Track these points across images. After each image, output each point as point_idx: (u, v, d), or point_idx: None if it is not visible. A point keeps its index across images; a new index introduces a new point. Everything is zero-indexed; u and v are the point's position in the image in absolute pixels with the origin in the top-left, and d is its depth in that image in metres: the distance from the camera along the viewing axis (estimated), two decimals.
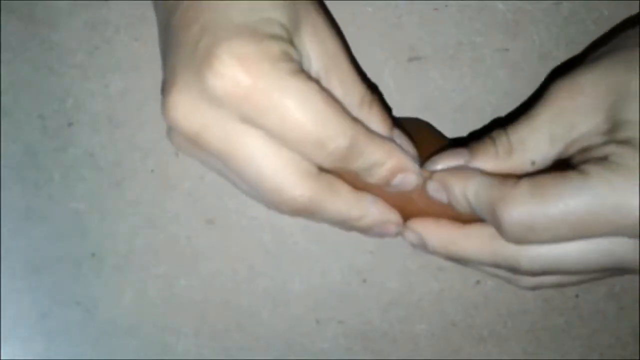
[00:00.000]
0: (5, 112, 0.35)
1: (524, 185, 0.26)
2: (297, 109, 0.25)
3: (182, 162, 0.36)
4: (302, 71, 0.26)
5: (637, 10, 0.37)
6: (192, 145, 0.27)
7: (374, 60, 0.36)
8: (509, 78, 0.37)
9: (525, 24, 0.37)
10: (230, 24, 0.24)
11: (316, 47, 0.27)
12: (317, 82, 0.26)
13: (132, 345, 0.37)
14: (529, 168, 0.28)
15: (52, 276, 0.36)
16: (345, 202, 0.28)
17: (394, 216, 0.30)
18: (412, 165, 0.29)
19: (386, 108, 0.33)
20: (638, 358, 0.39)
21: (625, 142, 0.25)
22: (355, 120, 0.27)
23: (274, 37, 0.25)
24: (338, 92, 0.27)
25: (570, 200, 0.25)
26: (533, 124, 0.28)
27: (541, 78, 0.37)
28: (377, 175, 0.28)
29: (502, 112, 0.37)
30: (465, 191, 0.28)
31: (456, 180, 0.29)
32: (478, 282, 0.38)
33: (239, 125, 0.25)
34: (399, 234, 0.31)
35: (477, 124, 0.36)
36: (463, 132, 0.37)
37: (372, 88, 0.32)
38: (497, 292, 0.38)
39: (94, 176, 0.36)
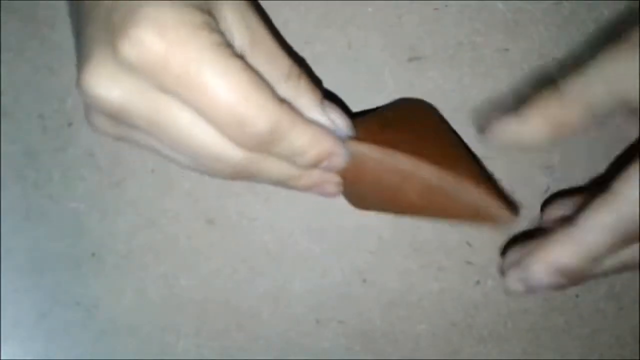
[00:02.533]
0: (5, 112, 0.35)
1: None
2: (216, 85, 0.23)
3: None
4: (226, 45, 0.24)
5: (638, 10, 0.37)
6: (116, 123, 0.25)
7: (374, 60, 0.36)
8: (509, 78, 0.37)
9: (525, 24, 0.37)
10: None
11: (238, 22, 0.25)
12: (241, 58, 0.24)
13: (132, 345, 0.37)
14: (586, 118, 0.28)
15: (52, 276, 0.36)
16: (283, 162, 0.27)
17: (332, 176, 0.30)
18: (337, 149, 0.28)
19: (316, 81, 0.32)
20: (638, 358, 0.39)
21: None
22: (281, 102, 0.25)
23: (194, 7, 0.23)
24: (264, 67, 0.26)
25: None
26: (587, 70, 0.27)
27: (542, 78, 0.37)
28: (302, 162, 0.27)
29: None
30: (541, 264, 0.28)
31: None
32: (478, 282, 0.38)
33: (162, 95, 0.24)
34: (338, 194, 0.31)
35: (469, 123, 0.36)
36: (463, 132, 0.37)
37: (299, 62, 0.30)
38: (497, 292, 0.38)
39: (93, 176, 0.36)
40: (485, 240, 0.37)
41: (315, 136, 0.27)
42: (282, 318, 0.37)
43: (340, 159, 0.28)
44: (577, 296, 0.39)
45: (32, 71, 0.35)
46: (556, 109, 0.28)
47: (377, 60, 0.36)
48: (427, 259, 0.38)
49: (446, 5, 0.36)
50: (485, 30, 0.37)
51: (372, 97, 0.36)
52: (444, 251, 0.37)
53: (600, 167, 0.37)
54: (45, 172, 0.36)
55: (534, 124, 0.28)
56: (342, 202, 0.37)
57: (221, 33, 0.24)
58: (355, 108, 0.36)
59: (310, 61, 0.36)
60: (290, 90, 0.27)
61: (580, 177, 0.37)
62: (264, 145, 0.25)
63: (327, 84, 0.36)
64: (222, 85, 0.23)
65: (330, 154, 0.28)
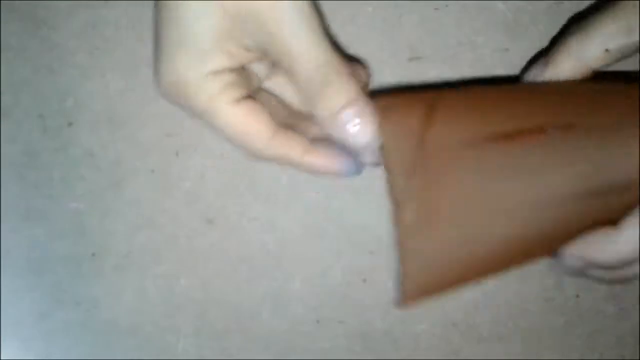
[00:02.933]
0: (5, 112, 0.35)
1: None
2: (221, 127, 0.29)
3: (182, 162, 0.36)
4: (234, 93, 0.29)
5: (637, 10, 0.37)
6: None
7: (374, 60, 0.36)
8: (509, 78, 0.37)
9: (525, 24, 0.37)
10: (193, 47, 0.28)
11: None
12: (246, 100, 0.29)
13: (132, 345, 0.37)
14: (604, 57, 0.30)
15: (52, 276, 0.36)
16: (298, 151, 0.30)
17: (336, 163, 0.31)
18: (337, 171, 0.31)
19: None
20: (638, 358, 0.39)
21: None
22: (275, 135, 0.29)
23: (219, 73, 0.28)
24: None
25: None
26: (604, 15, 0.30)
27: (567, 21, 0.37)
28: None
29: None
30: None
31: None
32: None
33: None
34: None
35: None
36: None
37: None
38: (497, 292, 0.38)
39: (94, 176, 0.36)
40: None
41: (312, 166, 0.30)
42: (282, 318, 0.37)
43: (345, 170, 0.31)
44: (577, 296, 0.39)
45: (32, 71, 0.35)
46: (581, 52, 0.30)
47: (377, 60, 0.36)
48: None
49: (446, 5, 0.36)
50: (485, 30, 0.37)
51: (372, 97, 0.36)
52: None
53: None
54: (45, 172, 0.36)
55: (565, 68, 0.31)
56: (342, 202, 0.37)
57: (235, 82, 0.29)
58: None
59: None
60: (309, 92, 0.29)
61: None
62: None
63: None
64: (225, 129, 0.29)
65: (338, 171, 0.31)
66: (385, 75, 0.36)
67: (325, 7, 0.35)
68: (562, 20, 0.37)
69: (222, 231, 0.37)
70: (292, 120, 0.31)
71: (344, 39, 0.36)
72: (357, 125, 0.28)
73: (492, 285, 0.38)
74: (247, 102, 0.29)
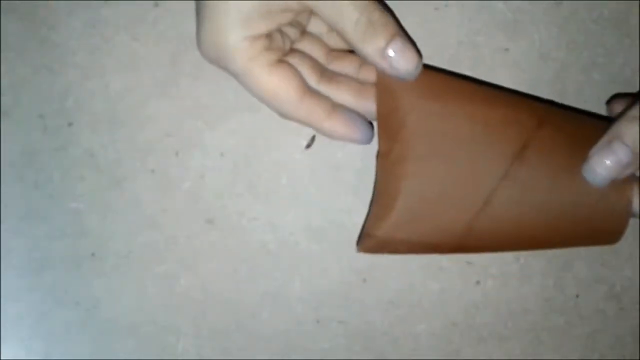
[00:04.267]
0: (5, 112, 0.35)
1: None
2: (254, 89, 0.32)
3: (182, 162, 0.36)
4: (268, 56, 0.31)
5: (637, 10, 0.37)
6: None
7: None
8: (509, 78, 0.37)
9: (525, 24, 0.37)
10: (230, 17, 0.30)
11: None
12: (279, 63, 0.32)
13: (132, 345, 0.37)
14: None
15: (52, 276, 0.36)
16: (321, 116, 0.33)
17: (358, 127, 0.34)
18: (357, 136, 0.33)
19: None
20: (638, 358, 0.40)
21: None
22: (303, 97, 0.32)
23: (256, 38, 0.31)
24: (332, 18, 0.31)
25: None
26: None
27: (541, 78, 0.37)
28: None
29: None
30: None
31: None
32: (478, 282, 0.38)
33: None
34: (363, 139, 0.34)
35: None
36: None
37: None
38: (497, 292, 0.38)
39: (94, 176, 0.36)
40: None
41: (332, 131, 0.33)
42: (282, 318, 0.37)
43: (362, 138, 0.34)
44: (577, 296, 0.39)
45: (32, 71, 0.35)
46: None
47: None
48: (427, 259, 0.38)
49: (446, 5, 0.36)
50: (485, 30, 0.37)
51: None
52: None
53: None
54: (45, 172, 0.36)
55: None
56: (342, 201, 0.37)
57: (270, 46, 0.31)
58: None
59: None
60: (357, 35, 0.31)
61: None
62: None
63: None
64: (258, 91, 0.32)
65: (353, 140, 0.34)
66: None
67: None
68: (562, 21, 0.37)
69: (222, 231, 0.37)
70: (321, 78, 0.33)
71: None
72: (401, 58, 0.31)
73: (492, 285, 0.38)
74: (280, 66, 0.32)
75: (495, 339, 0.39)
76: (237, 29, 0.30)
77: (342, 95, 0.34)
